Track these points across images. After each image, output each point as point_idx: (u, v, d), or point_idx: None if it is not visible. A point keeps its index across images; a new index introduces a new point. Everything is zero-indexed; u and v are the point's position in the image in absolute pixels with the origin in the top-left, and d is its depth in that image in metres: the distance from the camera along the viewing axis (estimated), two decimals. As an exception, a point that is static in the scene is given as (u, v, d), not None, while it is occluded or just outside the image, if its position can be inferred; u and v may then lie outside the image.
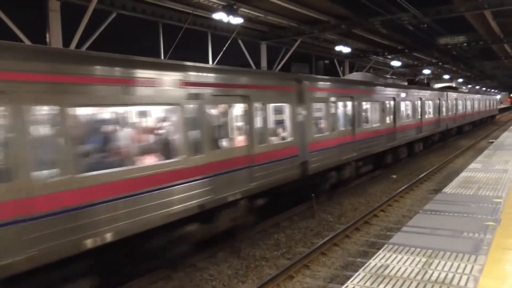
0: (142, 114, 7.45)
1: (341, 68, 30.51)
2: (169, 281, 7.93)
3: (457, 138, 31.95)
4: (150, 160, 6.94)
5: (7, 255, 4.95)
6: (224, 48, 17.93)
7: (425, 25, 20.04)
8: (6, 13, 11.28)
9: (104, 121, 6.74)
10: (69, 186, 5.55)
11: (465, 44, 27.01)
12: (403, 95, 19.05)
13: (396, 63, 32.06)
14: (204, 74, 8.12)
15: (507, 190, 8.31)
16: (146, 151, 6.99)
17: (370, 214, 11.48)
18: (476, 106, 37.75)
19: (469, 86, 49.42)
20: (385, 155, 17.33)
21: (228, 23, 15.68)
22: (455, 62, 36.71)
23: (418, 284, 4.32)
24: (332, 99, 12.81)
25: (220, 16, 14.80)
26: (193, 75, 7.69)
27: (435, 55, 32.62)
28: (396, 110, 17.93)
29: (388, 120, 17.19)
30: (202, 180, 7.65)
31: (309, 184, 11.95)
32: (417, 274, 4.54)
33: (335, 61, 29.98)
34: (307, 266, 8.27)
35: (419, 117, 21.56)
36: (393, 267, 4.74)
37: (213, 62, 18.56)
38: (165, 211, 6.90)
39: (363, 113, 15.33)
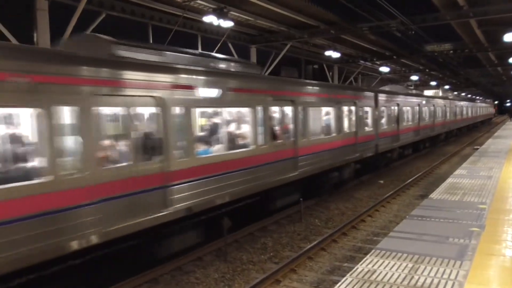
0: None
1: (330, 73, 30.70)
2: (155, 284, 7.87)
3: (443, 145, 32.40)
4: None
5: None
6: (214, 51, 17.89)
7: (413, 32, 20.28)
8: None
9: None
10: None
11: (451, 52, 27.41)
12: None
13: (384, 69, 32.38)
14: None
15: (491, 196, 8.45)
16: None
17: (357, 219, 11.55)
18: (483, 111, 61.36)
19: (473, 96, 67.75)
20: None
21: (218, 26, 15.65)
22: (441, 69, 37.21)
23: (405, 289, 4.36)
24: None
25: (210, 19, 14.75)
26: None
27: (422, 61, 33.03)
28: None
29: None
30: None
31: None
32: (403, 279, 4.58)
33: (324, 66, 30.15)
34: (294, 271, 8.28)
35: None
36: (380, 272, 4.78)
37: (202, 64, 18.49)
38: None
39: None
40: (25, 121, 5.94)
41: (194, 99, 8.23)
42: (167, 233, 7.86)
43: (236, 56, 20.55)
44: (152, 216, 7.17)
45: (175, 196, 7.62)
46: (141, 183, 7.03)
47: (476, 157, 14.76)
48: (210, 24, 15.82)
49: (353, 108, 15.27)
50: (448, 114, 33.50)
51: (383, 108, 18.72)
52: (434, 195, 8.79)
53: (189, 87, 8.15)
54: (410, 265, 4.98)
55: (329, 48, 23.31)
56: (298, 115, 11.77)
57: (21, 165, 5.76)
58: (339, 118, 14.05)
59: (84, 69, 6.35)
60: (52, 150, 5.75)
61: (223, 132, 9.28)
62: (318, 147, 12.73)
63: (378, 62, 30.67)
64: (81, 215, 6.10)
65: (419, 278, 4.61)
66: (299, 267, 8.47)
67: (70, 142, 6.05)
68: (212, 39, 18.75)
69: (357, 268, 4.93)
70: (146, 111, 7.50)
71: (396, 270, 4.85)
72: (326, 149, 13.12)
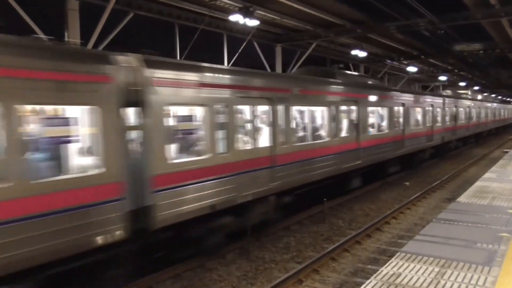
0: None
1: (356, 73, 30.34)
2: (178, 280, 7.97)
3: (471, 147, 31.62)
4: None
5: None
6: (240, 50, 17.97)
7: (442, 32, 19.83)
8: (26, 11, 11.45)
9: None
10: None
11: (481, 52, 26.65)
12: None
13: (411, 69, 31.76)
14: None
15: (522, 201, 8.20)
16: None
17: (381, 221, 11.40)
18: None
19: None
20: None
21: (244, 25, 15.70)
22: (470, 69, 36.24)
23: (431, 294, 4.29)
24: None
25: (236, 18, 14.81)
26: None
27: (451, 61, 32.21)
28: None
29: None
30: None
31: None
32: (429, 283, 4.51)
33: (350, 65, 29.82)
34: (316, 271, 8.25)
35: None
36: (405, 276, 4.71)
37: (228, 63, 18.61)
38: None
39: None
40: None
41: (367, 101, 14.48)
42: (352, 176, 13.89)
43: (261, 54, 20.64)
44: (353, 164, 13.23)
45: (362, 154, 13.68)
46: (351, 146, 13.12)
47: (506, 161, 14.33)
48: (236, 23, 15.88)
49: (431, 108, 21.13)
50: (489, 114, 39.01)
51: (447, 108, 24.24)
52: (462, 198, 8.59)
53: (365, 96, 14.46)
54: (436, 269, 4.89)
55: (355, 47, 23.05)
56: (405, 112, 17.53)
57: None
58: (424, 115, 20.11)
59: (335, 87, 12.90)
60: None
61: (375, 121, 15.43)
62: (414, 135, 18.54)
63: (405, 62, 30.12)
64: (332, 159, 11.98)
65: (445, 283, 4.52)
66: (322, 267, 8.44)
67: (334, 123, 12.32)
68: (238, 38, 18.81)
69: (382, 271, 4.87)
70: (352, 107, 13.49)
71: (422, 274, 4.77)
72: (417, 136, 19.06)
